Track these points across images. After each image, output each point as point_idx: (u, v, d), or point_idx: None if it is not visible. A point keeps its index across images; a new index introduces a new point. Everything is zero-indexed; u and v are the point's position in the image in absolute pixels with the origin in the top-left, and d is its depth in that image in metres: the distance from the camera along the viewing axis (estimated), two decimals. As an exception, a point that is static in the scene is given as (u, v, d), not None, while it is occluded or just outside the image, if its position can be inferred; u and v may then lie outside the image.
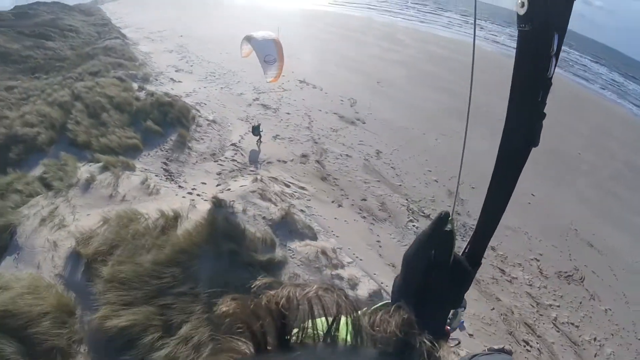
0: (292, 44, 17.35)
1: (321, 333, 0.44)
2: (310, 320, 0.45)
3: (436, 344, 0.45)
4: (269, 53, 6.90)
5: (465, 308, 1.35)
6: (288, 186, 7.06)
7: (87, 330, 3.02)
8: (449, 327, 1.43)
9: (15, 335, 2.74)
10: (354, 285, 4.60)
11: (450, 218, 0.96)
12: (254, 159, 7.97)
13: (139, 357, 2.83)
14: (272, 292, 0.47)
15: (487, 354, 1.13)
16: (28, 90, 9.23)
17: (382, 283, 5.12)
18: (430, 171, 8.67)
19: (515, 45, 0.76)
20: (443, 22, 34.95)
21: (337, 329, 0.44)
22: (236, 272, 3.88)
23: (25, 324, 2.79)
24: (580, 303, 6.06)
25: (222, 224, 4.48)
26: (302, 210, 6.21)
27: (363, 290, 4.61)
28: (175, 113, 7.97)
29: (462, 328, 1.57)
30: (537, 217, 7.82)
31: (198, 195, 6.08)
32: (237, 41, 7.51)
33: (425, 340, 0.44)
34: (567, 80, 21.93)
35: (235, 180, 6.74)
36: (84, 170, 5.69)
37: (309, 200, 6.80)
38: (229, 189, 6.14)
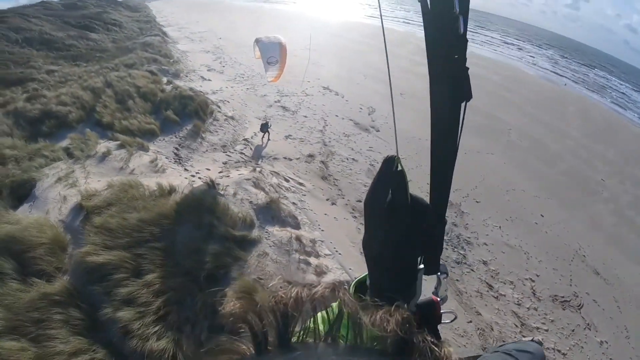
0: (323, 52, 18.48)
1: (322, 332, 0.46)
2: (312, 320, 0.48)
3: (437, 343, 0.47)
4: (272, 55, 7.68)
5: (447, 275, 1.42)
6: (287, 180, 7.73)
7: (71, 263, 3.82)
8: (438, 298, 1.49)
9: (15, 257, 3.58)
10: (320, 273, 5.06)
11: (397, 158, 1.04)
12: (258, 154, 8.73)
13: (106, 290, 3.57)
14: (280, 293, 0.50)
15: (515, 343, 1.23)
16: (67, 75, 10.64)
17: (355, 278, 5.56)
18: None
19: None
20: (481, 40, 34.95)
21: (339, 329, 0.47)
22: (210, 241, 4.56)
23: (25, 249, 3.63)
24: (573, 331, 5.93)
25: (208, 200, 5.21)
26: (294, 203, 6.82)
27: (328, 278, 5.01)
28: (194, 106, 8.95)
29: (445, 300, 1.76)
30: (542, 238, 7.91)
31: (199, 178, 6.85)
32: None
33: (426, 339, 0.46)
34: (601, 105, 21.67)
35: (237, 170, 7.47)
36: (103, 145, 6.70)
37: (305, 195, 7.40)
38: (228, 176, 6.89)
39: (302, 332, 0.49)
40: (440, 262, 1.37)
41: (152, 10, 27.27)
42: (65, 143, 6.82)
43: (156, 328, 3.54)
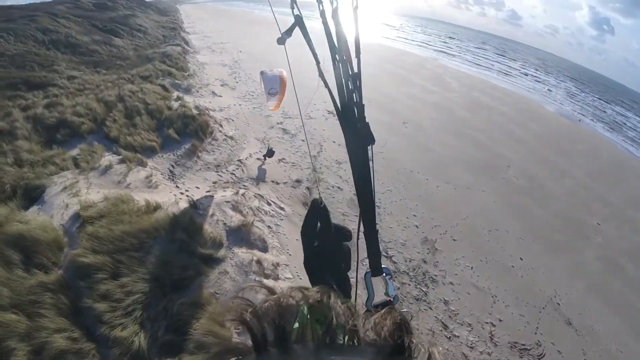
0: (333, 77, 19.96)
1: (320, 332, 0.51)
2: (309, 322, 0.53)
3: (431, 347, 0.53)
4: (273, 86, 9.10)
5: (391, 276, 1.96)
6: (269, 204, 8.84)
7: (66, 261, 5.27)
8: (390, 298, 1.95)
9: (22, 250, 5.07)
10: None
11: (320, 199, 1.79)
12: (261, 176, 9.97)
13: (89, 286, 4.99)
14: (274, 296, 0.57)
15: None
16: (86, 83, 12.40)
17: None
18: (415, 216, 9.82)
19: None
20: (503, 70, 35.71)
21: (334, 331, 0.52)
22: (179, 255, 5.90)
23: (30, 245, 5.12)
24: None
25: (185, 220, 6.61)
26: (269, 227, 7.90)
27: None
28: (195, 126, 10.47)
29: (396, 300, 1.98)
30: (516, 283, 8.30)
31: (187, 196, 8.23)
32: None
33: (420, 344, 0.51)
34: (613, 144, 22.12)
35: (224, 190, 8.80)
36: (107, 159, 8.25)
37: (282, 219, 8.45)
38: (212, 196, 8.26)
39: (299, 332, 0.55)
40: (384, 266, 1.99)
41: (182, 15, 29.38)
42: (75, 152, 8.38)
43: (123, 320, 4.86)
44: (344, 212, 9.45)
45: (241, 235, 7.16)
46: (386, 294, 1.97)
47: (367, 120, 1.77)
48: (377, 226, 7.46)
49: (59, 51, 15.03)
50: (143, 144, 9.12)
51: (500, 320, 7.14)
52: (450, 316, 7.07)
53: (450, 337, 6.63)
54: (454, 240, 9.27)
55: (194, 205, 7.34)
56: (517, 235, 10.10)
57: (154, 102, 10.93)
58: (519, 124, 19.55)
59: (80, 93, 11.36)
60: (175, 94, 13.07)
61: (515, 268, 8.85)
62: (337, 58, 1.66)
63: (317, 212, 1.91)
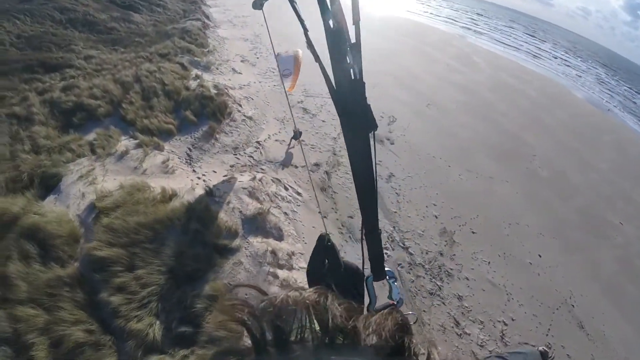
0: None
1: (319, 332, 0.52)
2: (308, 322, 0.54)
3: (430, 347, 0.54)
4: (287, 67, 8.87)
5: (396, 279, 1.85)
6: (287, 189, 8.76)
7: (82, 254, 5.32)
8: (394, 302, 1.85)
9: (39, 243, 5.15)
10: (286, 286, 6.03)
11: (327, 235, 1.66)
12: (287, 161, 9.83)
13: (105, 278, 5.03)
14: (271, 296, 0.56)
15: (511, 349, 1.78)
16: (103, 62, 12.33)
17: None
18: (434, 205, 9.62)
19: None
20: (532, 51, 33.99)
21: (334, 331, 0.53)
22: (193, 246, 5.90)
23: (47, 238, 5.17)
24: None
25: (200, 209, 6.56)
26: (285, 213, 7.87)
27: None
28: (213, 107, 10.32)
29: (400, 303, 1.92)
30: (532, 281, 8.14)
31: (204, 181, 8.18)
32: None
33: (419, 344, 0.52)
34: None
35: (241, 174, 8.69)
36: (123, 144, 8.24)
37: (299, 205, 8.38)
38: (229, 182, 8.18)
39: (298, 332, 0.55)
40: (387, 268, 1.89)
41: (204, -14, 28.50)
42: (91, 137, 8.40)
43: (138, 313, 4.92)
44: None
45: (257, 223, 7.14)
46: (390, 297, 1.89)
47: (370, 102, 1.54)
48: (396, 215, 7.24)
49: (76, 30, 15.00)
50: (160, 126, 9.07)
51: (512, 320, 7.09)
52: (463, 312, 7.01)
53: (461, 334, 6.59)
54: (473, 233, 9.09)
55: (210, 192, 7.27)
56: (537, 230, 9.85)
57: (172, 82, 10.79)
58: (546, 109, 18.77)
59: (98, 74, 11.35)
60: (194, 72, 12.87)
61: (532, 265, 8.68)
62: (331, 25, 1.42)
63: (324, 251, 1.73)
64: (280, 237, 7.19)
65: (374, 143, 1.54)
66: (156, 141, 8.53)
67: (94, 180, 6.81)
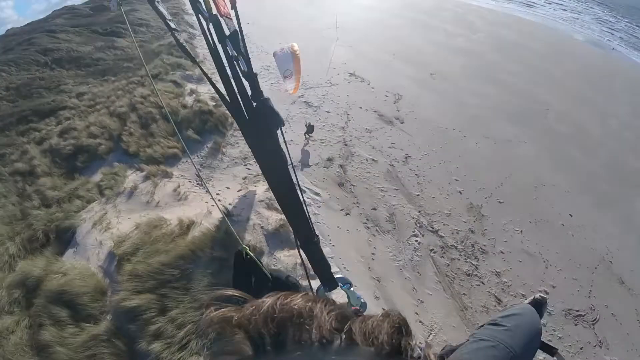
0: (351, 30, 18.50)
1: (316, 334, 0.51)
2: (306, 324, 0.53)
3: (427, 349, 0.55)
4: (287, 68, 8.45)
5: (350, 285, 1.74)
6: (304, 191, 8.39)
7: (112, 306, 5.19)
8: (357, 308, 1.79)
9: (67, 305, 5.03)
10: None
11: (244, 249, 1.43)
12: (305, 160, 9.51)
13: (140, 327, 4.89)
14: (266, 301, 0.57)
15: (502, 311, 1.56)
16: (96, 96, 12.20)
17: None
18: (457, 180, 9.21)
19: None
20: (525, 0, 32.59)
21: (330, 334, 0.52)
22: (221, 275, 5.73)
23: (73, 297, 5.05)
24: (581, 349, 5.79)
25: (220, 234, 6.36)
26: None
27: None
28: (214, 121, 10.09)
29: (364, 307, 1.91)
30: (567, 243, 7.70)
31: (219, 200, 7.97)
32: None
33: (416, 346, 0.52)
34: None
35: (255, 186, 8.44)
36: (130, 179, 8.10)
37: (319, 207, 8.07)
38: (244, 196, 7.95)
39: (296, 333, 0.54)
40: (340, 275, 1.83)
41: (184, -6, 27.76)
42: (98, 178, 8.29)
43: (180, 355, 4.79)
44: (382, 187, 8.89)
45: (280, 236, 6.91)
46: (350, 304, 1.80)
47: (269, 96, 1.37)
48: (419, 198, 7.07)
49: (63, 69, 14.88)
50: (164, 152, 8.88)
51: (553, 287, 6.75)
52: (503, 289, 6.67)
53: None
54: (500, 203, 8.65)
55: (227, 213, 7.05)
56: (565, 189, 9.33)
57: (167, 103, 10.51)
58: (551, 60, 17.80)
59: (92, 110, 11.18)
60: (188, 87, 12.61)
61: (565, 227, 8.16)
62: (205, 14, 1.23)
63: (244, 267, 1.48)
64: (307, 246, 6.96)
65: (285, 141, 1.32)
66: (163, 169, 8.36)
67: (108, 225, 6.68)
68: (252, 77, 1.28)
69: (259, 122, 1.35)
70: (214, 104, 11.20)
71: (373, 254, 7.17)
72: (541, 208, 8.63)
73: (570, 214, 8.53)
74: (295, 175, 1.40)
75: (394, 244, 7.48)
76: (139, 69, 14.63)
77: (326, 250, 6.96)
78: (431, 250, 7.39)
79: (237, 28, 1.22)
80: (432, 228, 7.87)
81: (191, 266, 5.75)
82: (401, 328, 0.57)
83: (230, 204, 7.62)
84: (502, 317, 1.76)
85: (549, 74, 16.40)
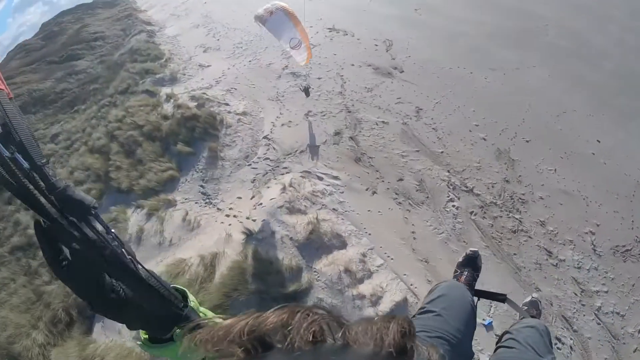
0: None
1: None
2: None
3: (430, 349, 0.52)
4: (292, 36, 7.06)
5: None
6: (321, 179, 7.50)
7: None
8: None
9: None
10: (376, 301, 5.21)
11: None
12: (313, 140, 8.36)
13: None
14: (228, 323, 0.51)
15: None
16: (70, 133, 11.03)
17: (411, 285, 5.57)
18: (477, 126, 8.17)
19: None
20: None
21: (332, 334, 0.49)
22: (262, 306, 4.85)
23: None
24: (633, 286, 5.48)
25: (247, 263, 5.45)
26: (334, 209, 6.74)
27: (385, 305, 5.14)
28: (202, 125, 8.92)
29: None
30: (601, 173, 7.05)
31: (234, 216, 6.99)
32: None
33: (420, 346, 0.50)
34: None
35: (267, 187, 7.44)
36: (134, 221, 7.18)
37: (342, 192, 7.17)
38: (260, 204, 6.95)
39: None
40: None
41: (131, -6, 25.11)
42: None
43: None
44: (401, 152, 7.80)
45: (314, 244, 6.06)
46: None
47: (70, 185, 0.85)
48: (444, 156, 7.79)
49: (30, 113, 13.44)
50: (160, 178, 7.84)
51: (597, 225, 6.21)
52: (550, 239, 6.05)
53: (556, 264, 5.77)
54: (527, 141, 7.75)
55: (249, 233, 6.11)
56: (585, 111, 8.39)
57: (145, 119, 9.28)
58: None
59: (70, 150, 9.85)
60: (162, 92, 11.31)
61: (596, 155, 7.42)
62: None
63: (49, 240, 0.86)
64: (343, 244, 6.11)
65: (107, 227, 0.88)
66: (164, 198, 7.37)
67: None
68: (40, 170, 0.78)
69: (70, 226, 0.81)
70: (195, 104, 9.94)
71: (413, 232, 6.39)
72: (568, 139, 7.77)
73: (598, 140, 7.69)
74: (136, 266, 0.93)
75: (432, 215, 6.65)
76: (106, 87, 13.07)
77: (363, 241, 6.17)
78: (471, 212, 6.57)
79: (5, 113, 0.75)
80: (466, 187, 6.98)
81: (230, 310, 4.90)
82: (408, 330, 0.50)
83: (248, 218, 6.67)
84: (429, 302, 1.73)
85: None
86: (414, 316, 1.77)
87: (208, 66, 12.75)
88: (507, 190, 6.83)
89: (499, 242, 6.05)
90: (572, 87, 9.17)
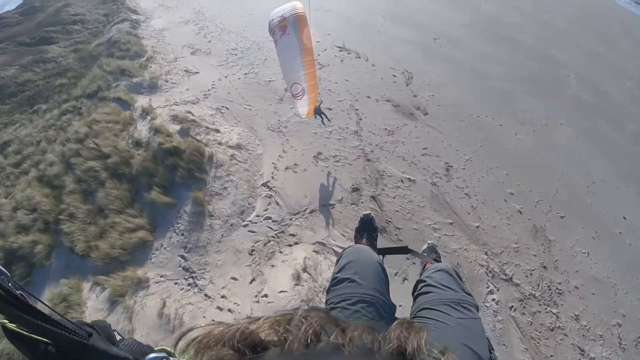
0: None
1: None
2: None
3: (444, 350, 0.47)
4: (297, 81, 4.97)
5: None
6: (336, 253, 5.36)
7: None
8: None
9: None
10: None
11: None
12: (326, 197, 6.06)
13: None
14: (226, 326, 0.47)
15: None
16: (23, 145, 8.26)
17: None
18: (512, 194, 6.52)
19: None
20: None
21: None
22: None
23: None
24: None
25: None
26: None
27: None
28: (185, 164, 6.39)
29: None
30: (627, 255, 6.04)
31: (230, 310, 4.79)
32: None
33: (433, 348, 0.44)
34: None
35: (272, 267, 5.19)
36: (90, 304, 4.71)
37: None
38: (265, 296, 4.79)
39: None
40: None
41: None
42: (47, 300, 4.79)
43: None
44: (433, 223, 5.81)
45: None
46: None
47: None
48: (480, 231, 5.45)
49: None
50: (126, 242, 5.41)
51: (623, 316, 5.35)
52: (583, 335, 4.99)
53: None
54: (561, 217, 6.45)
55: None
56: (612, 182, 7.42)
57: (112, 145, 6.67)
58: (550, 9, 15.04)
59: (19, 171, 7.08)
60: (138, 103, 8.50)
61: (622, 235, 6.40)
62: None
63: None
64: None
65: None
66: (132, 275, 4.95)
67: None
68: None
69: None
70: (178, 127, 7.34)
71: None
72: (598, 215, 6.70)
73: (624, 217, 6.75)
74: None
75: (473, 312, 5.02)
76: (74, 86, 9.95)
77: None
78: (511, 307, 5.01)
79: None
80: (505, 275, 5.37)
81: None
82: (411, 330, 0.48)
83: (249, 317, 4.39)
84: (339, 271, 1.62)
85: (554, 26, 13.83)
86: (328, 289, 1.64)
87: (196, 73, 10.03)
88: (544, 278, 5.45)
89: (538, 342, 4.74)
90: (597, 151, 8.22)
